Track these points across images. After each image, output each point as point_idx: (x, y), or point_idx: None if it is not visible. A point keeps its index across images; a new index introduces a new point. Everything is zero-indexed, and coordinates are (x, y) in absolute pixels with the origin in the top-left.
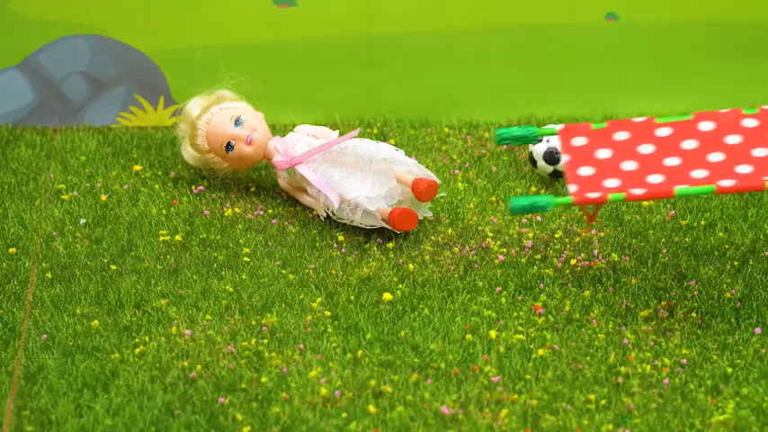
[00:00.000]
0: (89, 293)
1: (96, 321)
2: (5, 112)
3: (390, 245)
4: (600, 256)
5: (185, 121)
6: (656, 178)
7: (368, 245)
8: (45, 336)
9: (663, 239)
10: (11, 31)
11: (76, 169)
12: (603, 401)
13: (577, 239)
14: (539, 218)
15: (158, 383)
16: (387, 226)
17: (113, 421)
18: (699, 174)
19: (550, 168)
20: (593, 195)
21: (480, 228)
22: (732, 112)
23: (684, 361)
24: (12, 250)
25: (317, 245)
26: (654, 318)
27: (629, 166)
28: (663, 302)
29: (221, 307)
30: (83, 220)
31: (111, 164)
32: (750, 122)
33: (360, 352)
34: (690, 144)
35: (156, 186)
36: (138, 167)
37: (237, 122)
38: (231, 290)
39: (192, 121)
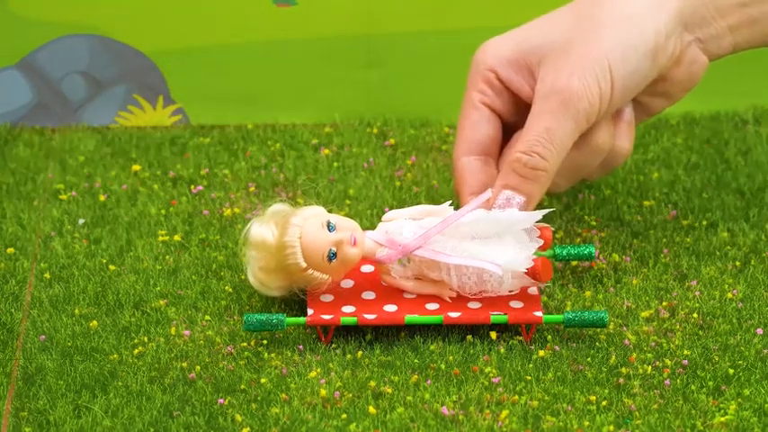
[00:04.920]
0: (87, 294)
1: (95, 322)
2: (4, 112)
3: None
4: (601, 257)
5: (258, 248)
6: (390, 307)
7: None
8: (43, 336)
9: (664, 239)
10: (9, 31)
11: (75, 169)
12: (604, 402)
13: (578, 240)
14: None
15: (157, 384)
16: (532, 281)
17: (112, 422)
18: (431, 306)
19: None
20: (326, 317)
21: None
22: None
23: (686, 362)
24: (10, 250)
25: None
26: (655, 318)
27: (368, 295)
28: (664, 303)
29: (220, 307)
30: (81, 220)
31: (110, 164)
32: None
33: (359, 353)
34: None
35: (155, 186)
36: (136, 167)
37: (330, 227)
38: (230, 290)
39: (275, 245)
